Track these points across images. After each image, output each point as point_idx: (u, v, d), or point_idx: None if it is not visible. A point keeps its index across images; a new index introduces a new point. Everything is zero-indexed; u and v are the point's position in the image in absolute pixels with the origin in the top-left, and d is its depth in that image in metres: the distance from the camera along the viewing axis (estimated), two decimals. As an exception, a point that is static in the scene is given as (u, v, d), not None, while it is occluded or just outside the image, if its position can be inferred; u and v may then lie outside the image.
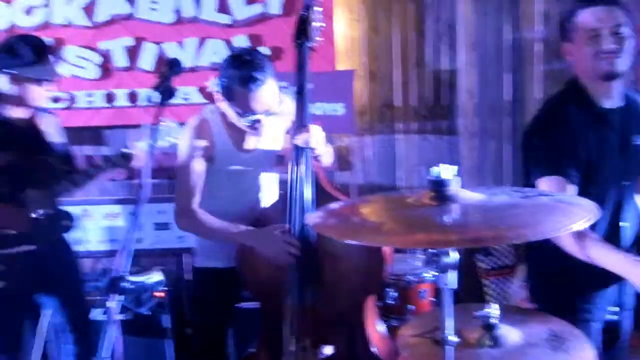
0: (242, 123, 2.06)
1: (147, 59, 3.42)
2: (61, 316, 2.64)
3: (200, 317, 2.43)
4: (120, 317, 1.52)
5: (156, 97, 1.75)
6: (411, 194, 1.34)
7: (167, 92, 1.75)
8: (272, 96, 2.03)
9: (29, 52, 2.35)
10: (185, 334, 3.24)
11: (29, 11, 3.42)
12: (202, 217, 2.11)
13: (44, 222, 2.44)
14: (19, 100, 2.39)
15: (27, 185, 2.41)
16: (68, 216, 2.56)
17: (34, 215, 2.41)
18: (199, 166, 2.13)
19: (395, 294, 2.69)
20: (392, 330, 2.31)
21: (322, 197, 1.98)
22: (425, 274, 2.74)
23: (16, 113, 2.42)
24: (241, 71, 1.97)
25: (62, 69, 3.38)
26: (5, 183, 2.36)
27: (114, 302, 1.45)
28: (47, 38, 3.36)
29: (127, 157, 2.51)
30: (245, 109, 2.01)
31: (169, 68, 1.79)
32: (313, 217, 1.48)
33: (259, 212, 2.21)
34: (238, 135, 2.14)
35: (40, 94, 2.41)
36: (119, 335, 1.53)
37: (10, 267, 2.37)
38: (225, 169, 2.19)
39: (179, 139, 2.21)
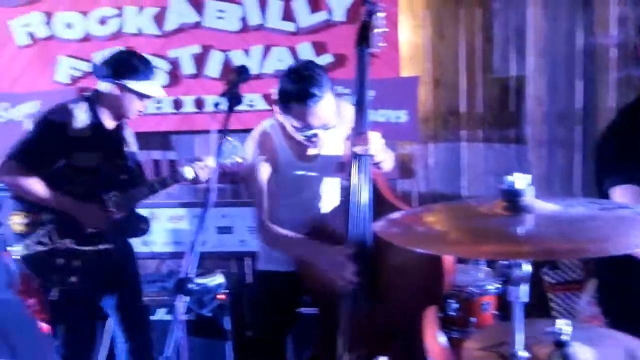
0: (299, 137, 2.07)
1: (214, 66, 3.50)
2: (119, 315, 2.74)
3: (260, 320, 2.45)
4: (184, 317, 1.55)
5: (224, 103, 1.79)
6: (479, 203, 1.30)
7: (234, 98, 1.79)
8: (329, 111, 2.03)
9: (142, 68, 2.47)
10: (244, 336, 3.28)
11: (103, 21, 3.57)
12: (274, 230, 2.14)
13: (122, 224, 2.54)
14: (117, 109, 2.51)
15: (111, 188, 2.52)
16: (145, 220, 2.68)
17: (115, 217, 2.52)
18: (264, 178, 2.17)
19: (457, 306, 2.62)
20: (452, 343, 2.26)
21: (381, 204, 1.96)
22: (488, 286, 2.66)
23: (109, 119, 2.54)
24: (299, 86, 1.98)
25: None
26: (92, 184, 2.48)
27: (180, 303, 1.49)
28: (119, 47, 3.53)
29: (197, 172, 2.62)
30: (302, 124, 2.02)
31: (237, 75, 1.83)
32: (376, 225, 1.46)
33: (320, 217, 2.21)
34: (298, 145, 2.16)
35: (136, 107, 2.53)
36: (184, 335, 1.56)
37: (85, 264, 2.48)
38: (287, 177, 2.21)
39: (243, 157, 2.28)
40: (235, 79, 1.82)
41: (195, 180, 2.62)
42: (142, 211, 2.77)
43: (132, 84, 2.45)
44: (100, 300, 2.66)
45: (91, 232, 2.49)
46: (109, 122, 2.56)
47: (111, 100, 2.50)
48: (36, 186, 2.40)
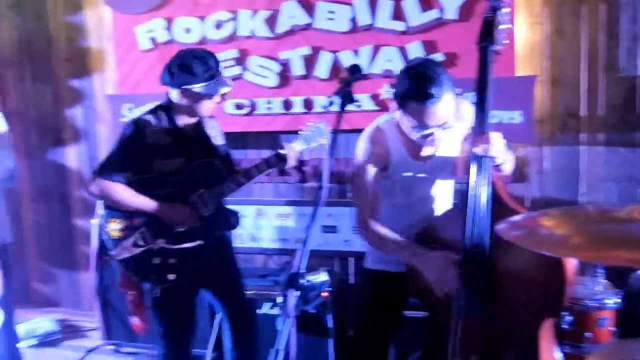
0: (415, 135, 2.04)
1: (323, 67, 3.54)
2: (222, 308, 2.82)
3: (364, 320, 2.43)
4: (294, 312, 1.58)
5: (336, 102, 1.80)
6: (616, 209, 1.22)
7: (347, 97, 1.79)
8: (448, 111, 1.96)
9: (203, 70, 2.50)
10: (346, 335, 3.29)
11: (219, 25, 3.72)
12: (376, 229, 2.12)
13: (211, 220, 2.63)
14: (190, 111, 2.58)
15: (198, 186, 2.60)
16: (234, 214, 2.75)
17: (203, 214, 2.62)
18: (373, 175, 2.15)
19: (571, 319, 2.48)
20: (566, 357, 2.14)
21: (499, 208, 1.88)
22: (607, 300, 2.49)
23: (186, 121, 2.62)
24: (417, 85, 1.93)
25: (246, 77, 3.66)
26: (178, 185, 2.58)
27: (292, 297, 1.52)
28: (233, 49, 3.68)
29: (281, 158, 2.70)
30: (419, 123, 1.98)
31: (350, 74, 1.83)
32: (498, 227, 1.41)
33: (430, 221, 2.17)
34: (413, 144, 2.11)
35: (209, 106, 2.60)
36: (294, 329, 1.59)
37: (181, 261, 2.59)
38: (399, 177, 2.18)
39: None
40: (348, 77, 1.83)
41: (283, 159, 2.69)
42: (246, 207, 2.86)
43: (194, 87, 2.50)
44: (198, 294, 2.75)
45: (181, 231, 2.59)
46: (187, 124, 2.62)
47: (181, 104, 2.57)
48: (124, 194, 2.52)
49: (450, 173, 2.25)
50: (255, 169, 2.69)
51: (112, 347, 3.77)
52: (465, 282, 1.88)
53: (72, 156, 4.28)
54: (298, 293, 1.56)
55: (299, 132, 2.82)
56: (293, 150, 2.72)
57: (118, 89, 4.03)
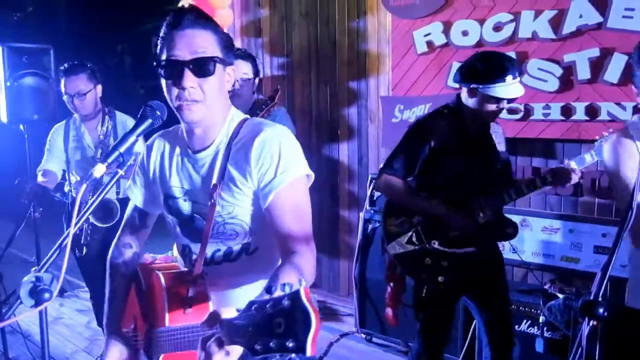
0: None
1: (613, 71, 3.20)
2: (480, 320, 2.75)
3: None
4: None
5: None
6: None
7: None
8: None
9: (493, 70, 2.45)
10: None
11: (498, 27, 3.63)
12: None
13: (488, 227, 2.56)
14: (477, 114, 2.54)
15: (477, 192, 2.55)
16: (512, 224, 2.64)
17: (480, 220, 2.55)
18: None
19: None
20: None
21: None
22: None
23: (472, 124, 2.58)
24: None
25: (524, 81, 3.49)
26: (462, 190, 2.56)
27: (586, 327, 1.39)
28: (511, 52, 3.54)
29: (563, 174, 2.52)
30: None
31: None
32: None
33: None
34: None
35: (496, 110, 2.52)
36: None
37: (453, 265, 2.57)
38: None
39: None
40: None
41: (564, 176, 2.52)
42: (512, 217, 2.73)
43: (482, 88, 2.43)
44: (460, 299, 2.72)
45: (456, 235, 2.55)
46: (473, 126, 2.57)
47: (468, 106, 2.52)
48: (406, 192, 2.57)
49: None
50: (541, 181, 2.57)
51: (364, 335, 3.95)
52: None
53: (344, 152, 4.61)
54: (594, 323, 1.42)
55: (584, 141, 2.59)
56: (585, 163, 2.53)
57: (392, 91, 4.21)
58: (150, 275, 1.57)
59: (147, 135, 1.51)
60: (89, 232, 3.39)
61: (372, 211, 3.86)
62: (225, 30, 1.63)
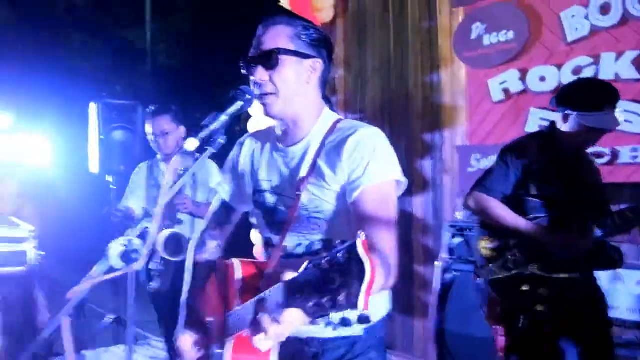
0: None
1: None
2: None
3: None
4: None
5: None
6: None
7: None
8: None
9: (590, 100, 2.40)
10: None
11: (577, 71, 3.55)
12: None
13: (590, 254, 2.39)
14: (574, 139, 2.45)
15: (574, 216, 2.43)
16: (617, 252, 2.47)
17: (583, 246, 2.39)
18: None
19: None
20: None
21: None
22: None
23: (568, 148, 2.49)
24: None
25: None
26: (555, 211, 2.43)
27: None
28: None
29: None
30: None
31: None
32: None
33: None
34: None
35: (591, 138, 2.43)
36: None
37: (551, 293, 2.38)
38: None
39: None
40: None
41: None
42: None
43: (576, 115, 2.36)
44: (561, 337, 2.50)
45: (557, 260, 2.39)
46: (568, 150, 2.48)
47: (563, 130, 2.45)
48: (500, 212, 2.47)
49: None
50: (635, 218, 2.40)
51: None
52: None
53: (418, 205, 4.52)
54: None
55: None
56: None
57: (468, 140, 4.14)
58: (227, 265, 1.57)
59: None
60: (161, 266, 3.44)
61: (449, 260, 3.72)
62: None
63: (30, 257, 3.36)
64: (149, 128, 3.56)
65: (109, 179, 4.26)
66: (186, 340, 1.58)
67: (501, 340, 2.69)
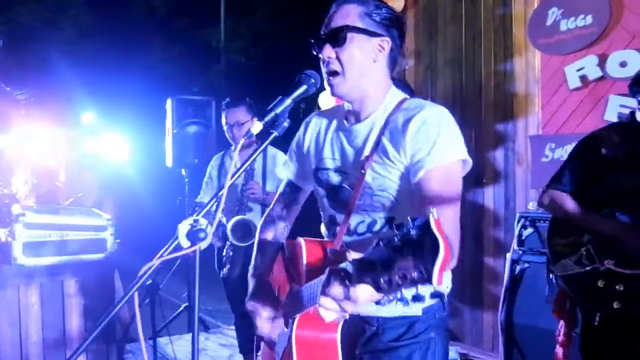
0: None
1: None
2: None
3: None
4: None
5: None
6: None
7: None
8: None
9: None
10: None
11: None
12: None
13: None
14: None
15: None
16: None
17: None
18: None
19: None
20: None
21: None
22: None
23: None
24: None
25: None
26: (629, 204, 2.31)
27: None
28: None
29: None
30: None
31: None
32: None
33: None
34: None
35: None
36: None
37: (628, 289, 2.27)
38: None
39: None
40: None
41: None
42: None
43: None
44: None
45: (635, 255, 2.27)
46: None
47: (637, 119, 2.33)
48: (573, 208, 2.39)
49: None
50: None
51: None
52: None
53: (489, 196, 4.41)
54: None
55: None
56: None
57: (542, 130, 4.00)
58: (293, 244, 1.60)
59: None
60: (230, 252, 3.53)
61: (520, 251, 3.61)
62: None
63: (109, 245, 3.54)
64: (224, 119, 3.66)
65: (183, 172, 4.41)
66: (257, 306, 1.62)
67: (562, 337, 2.60)
